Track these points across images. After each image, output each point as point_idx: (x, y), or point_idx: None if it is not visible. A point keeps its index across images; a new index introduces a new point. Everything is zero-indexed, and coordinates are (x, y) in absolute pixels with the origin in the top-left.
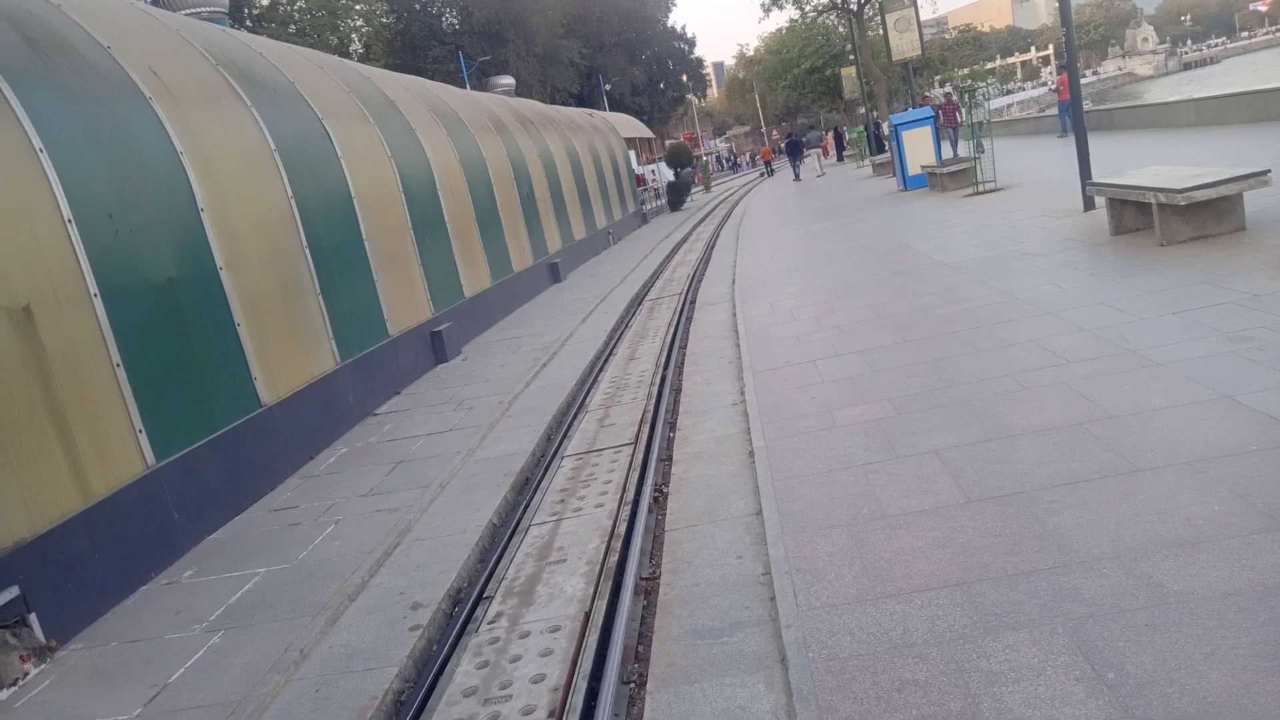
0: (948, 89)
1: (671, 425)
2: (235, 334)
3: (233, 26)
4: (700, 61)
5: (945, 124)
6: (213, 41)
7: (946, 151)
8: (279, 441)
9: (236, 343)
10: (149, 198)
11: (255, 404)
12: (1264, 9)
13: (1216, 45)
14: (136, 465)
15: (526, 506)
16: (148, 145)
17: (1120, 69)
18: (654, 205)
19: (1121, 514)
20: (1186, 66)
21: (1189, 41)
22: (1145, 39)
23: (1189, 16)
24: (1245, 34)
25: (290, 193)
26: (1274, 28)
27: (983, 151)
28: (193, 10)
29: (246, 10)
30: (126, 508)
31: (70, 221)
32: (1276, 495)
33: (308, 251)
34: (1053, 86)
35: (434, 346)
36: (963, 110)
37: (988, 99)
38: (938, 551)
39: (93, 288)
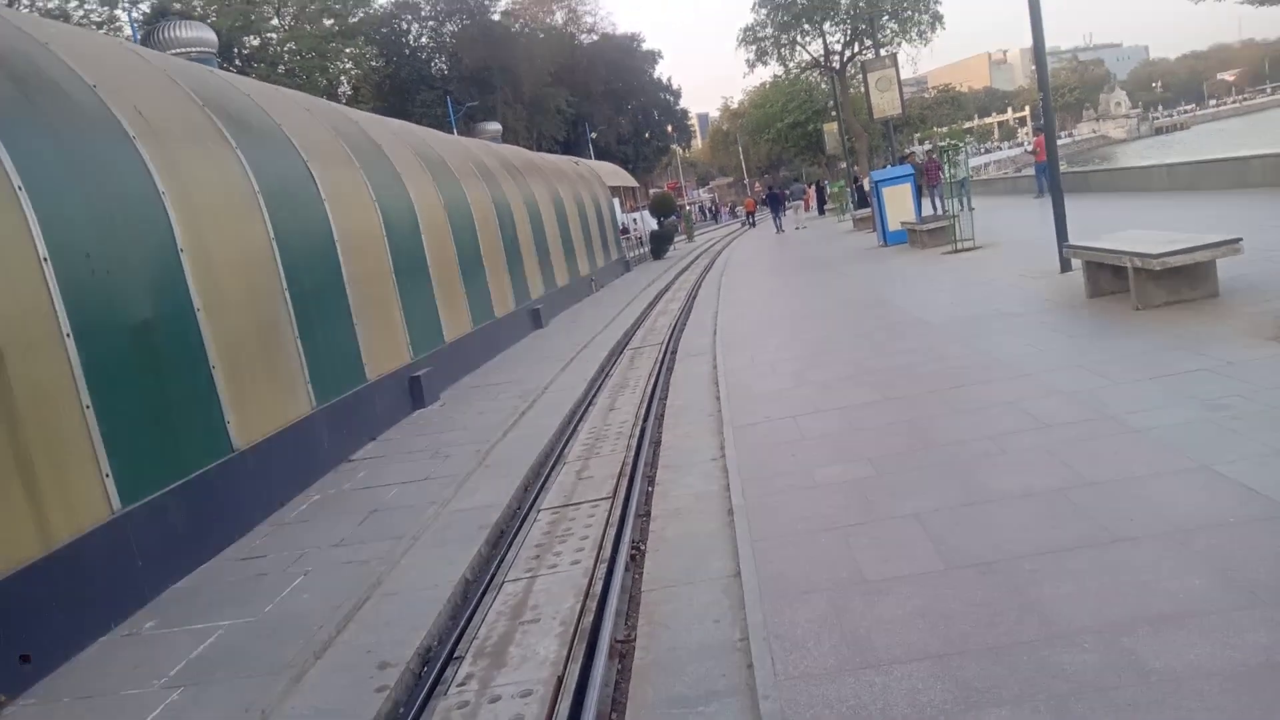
0: (928, 147)
1: (650, 479)
2: (210, 376)
3: (221, 66)
4: (685, 113)
5: (929, 181)
6: (200, 82)
7: (929, 208)
8: (250, 487)
9: (211, 385)
10: (129, 237)
11: (227, 448)
12: (1230, 79)
13: (1187, 111)
14: (101, 510)
15: (501, 561)
16: (130, 185)
17: (1095, 131)
18: (637, 253)
19: (1103, 586)
20: (1158, 131)
21: (1160, 107)
22: (1118, 103)
23: (1160, 83)
24: (1214, 101)
25: (272, 234)
26: (1241, 96)
27: (971, 209)
28: (181, 50)
29: (236, 49)
30: (89, 555)
31: (46, 260)
32: (1257, 570)
33: (287, 294)
34: (1029, 148)
35: (412, 392)
36: (945, 168)
37: (968, 158)
38: (918, 621)
39: (66, 328)
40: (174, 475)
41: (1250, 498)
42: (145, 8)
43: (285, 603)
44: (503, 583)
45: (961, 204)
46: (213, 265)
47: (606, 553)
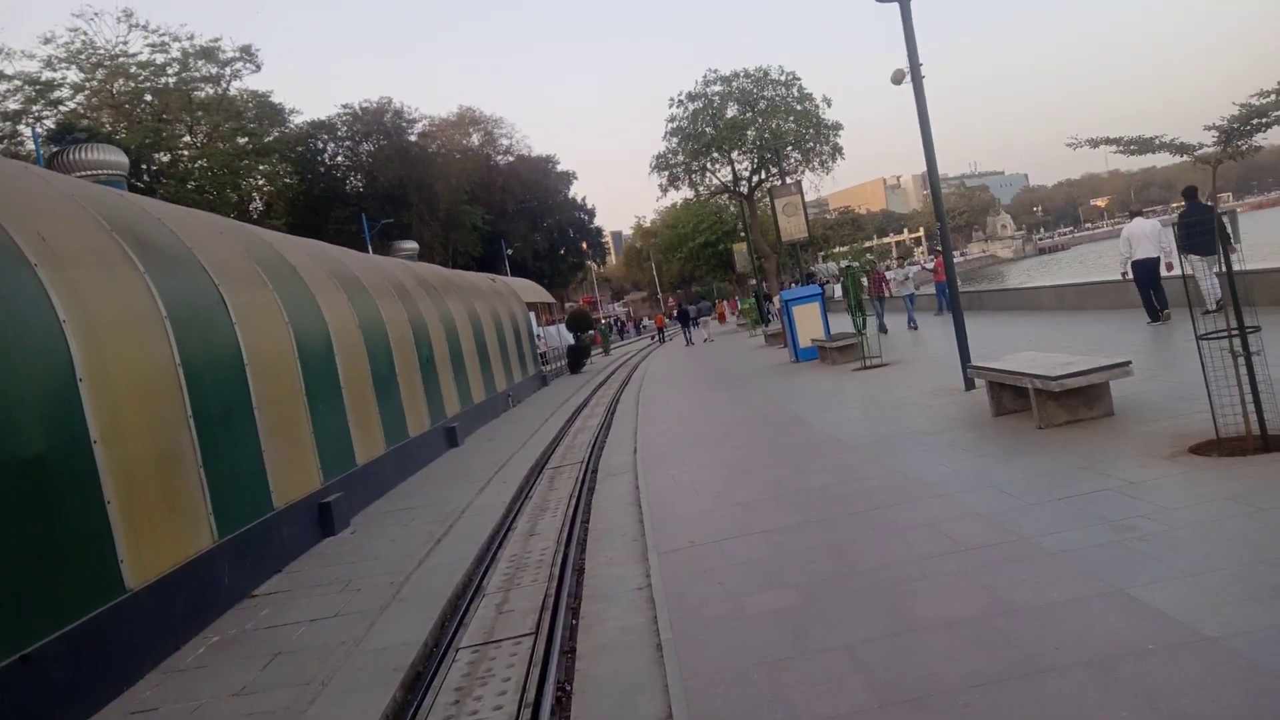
0: (849, 262)
1: (574, 611)
2: (104, 512)
3: (130, 183)
4: (600, 230)
5: (873, 293)
6: (108, 206)
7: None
8: (143, 631)
9: (105, 522)
10: (24, 369)
11: (120, 589)
12: (1101, 205)
13: (1066, 234)
14: None
15: (417, 708)
16: (28, 314)
17: (984, 251)
18: (554, 367)
19: None
20: (1041, 251)
21: (1041, 229)
22: (1004, 225)
23: (1040, 208)
24: (1089, 225)
25: (178, 360)
26: (1112, 221)
27: (914, 327)
28: (89, 173)
29: (145, 166)
30: None
31: None
32: (1179, 700)
33: (192, 421)
34: (929, 266)
35: (321, 519)
36: (848, 285)
37: (908, 278)
38: None
39: None
40: (58, 622)
41: (1163, 622)
42: (50, 123)
43: None
44: None
45: (910, 320)
46: (113, 394)
47: (531, 696)
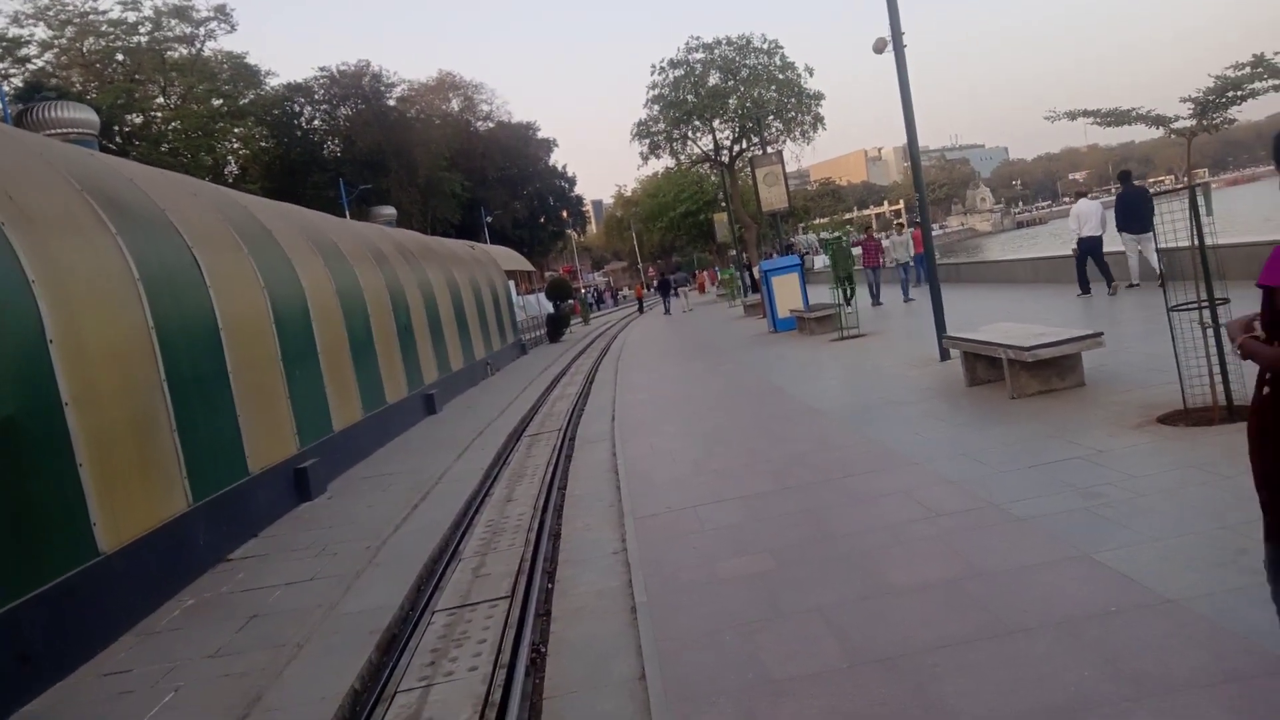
0: (832, 234)
1: (550, 575)
2: (76, 475)
3: (101, 145)
4: (580, 199)
5: (867, 263)
6: (79, 165)
7: (867, 296)
8: (117, 593)
9: (77, 485)
10: None
11: (93, 552)
12: (1080, 179)
13: (1044, 208)
14: None
15: (393, 669)
16: None
17: (963, 224)
18: (533, 336)
19: (1001, 680)
20: (1019, 225)
21: (1020, 203)
22: (983, 199)
23: (1019, 181)
24: (1067, 199)
25: (152, 324)
26: (1089, 196)
27: (910, 299)
28: (59, 131)
29: (117, 127)
30: None
31: None
32: (1140, 660)
33: (166, 385)
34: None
35: (298, 484)
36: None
37: (908, 242)
38: None
39: None
40: (30, 584)
41: (1128, 586)
42: (18, 82)
43: None
44: (395, 694)
45: (904, 290)
46: (85, 357)
47: (506, 657)
